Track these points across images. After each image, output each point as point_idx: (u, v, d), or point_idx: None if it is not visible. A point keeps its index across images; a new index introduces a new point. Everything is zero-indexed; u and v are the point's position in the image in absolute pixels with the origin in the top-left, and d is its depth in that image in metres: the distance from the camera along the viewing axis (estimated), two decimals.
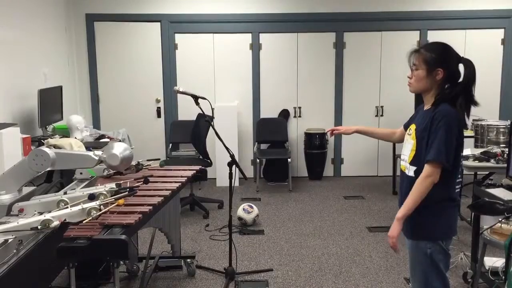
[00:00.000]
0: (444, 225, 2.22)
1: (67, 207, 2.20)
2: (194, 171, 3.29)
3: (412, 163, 2.25)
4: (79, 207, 2.17)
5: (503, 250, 2.69)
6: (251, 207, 4.90)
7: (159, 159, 3.29)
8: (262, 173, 6.63)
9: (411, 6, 6.52)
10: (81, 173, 3.00)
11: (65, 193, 2.49)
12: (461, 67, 2.24)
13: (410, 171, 2.26)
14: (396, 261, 3.99)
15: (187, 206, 5.40)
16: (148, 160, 3.22)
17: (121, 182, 2.58)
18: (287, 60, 6.66)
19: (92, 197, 2.29)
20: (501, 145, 4.24)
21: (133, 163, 2.96)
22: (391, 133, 2.68)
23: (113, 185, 2.46)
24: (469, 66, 2.20)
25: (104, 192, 2.35)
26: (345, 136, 6.78)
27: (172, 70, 6.58)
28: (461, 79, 2.22)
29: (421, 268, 2.27)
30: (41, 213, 2.27)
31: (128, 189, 2.38)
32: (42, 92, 4.70)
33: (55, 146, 3.85)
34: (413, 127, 2.31)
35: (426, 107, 2.29)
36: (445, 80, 2.21)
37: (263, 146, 6.74)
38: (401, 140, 2.58)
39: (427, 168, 2.14)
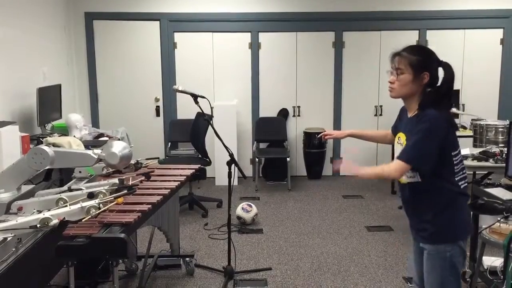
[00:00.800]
0: (462, 224, 2.20)
1: (66, 206, 2.20)
2: (193, 170, 3.29)
3: (412, 171, 2.20)
4: (78, 205, 2.18)
5: (502, 249, 2.69)
6: (250, 206, 4.90)
7: (158, 158, 3.30)
8: (261, 172, 6.63)
9: (410, 5, 6.52)
10: (80, 172, 3.01)
11: (69, 188, 2.52)
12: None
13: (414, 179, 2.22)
14: (395, 260, 4.00)
15: (186, 205, 5.40)
16: (147, 159, 3.22)
17: (124, 177, 2.60)
18: (286, 59, 6.66)
19: (91, 196, 2.30)
20: (500, 145, 4.25)
21: (132, 161, 2.97)
22: (384, 135, 2.65)
23: (115, 180, 2.48)
24: (449, 70, 2.16)
25: (103, 191, 2.35)
26: None
27: (171, 69, 6.57)
28: (439, 83, 2.19)
29: (439, 272, 2.21)
30: (40, 212, 2.27)
31: (127, 187, 2.39)
32: (41, 90, 4.70)
33: (54, 145, 3.85)
34: (402, 136, 2.26)
35: (411, 113, 2.25)
36: (427, 85, 2.18)
37: (262, 145, 6.73)
38: (393, 142, 2.57)
39: (397, 164, 2.14)
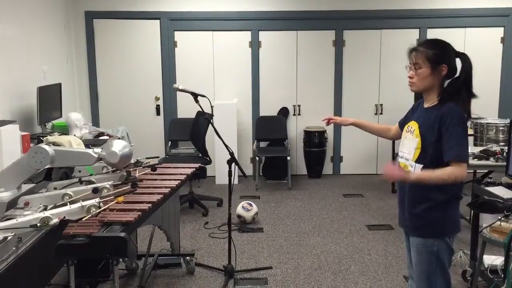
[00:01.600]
0: (451, 222, 2.23)
1: (67, 204, 2.20)
2: (194, 169, 3.29)
3: (418, 161, 2.23)
4: (79, 204, 2.18)
5: (502, 248, 2.69)
6: (250, 205, 4.90)
7: (158, 157, 3.31)
8: (261, 171, 6.63)
9: (410, 4, 6.51)
10: (79, 171, 3.00)
11: (80, 179, 2.59)
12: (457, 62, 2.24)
13: (416, 169, 2.23)
14: (395, 259, 4.00)
15: (186, 204, 5.40)
16: (147, 158, 3.22)
17: (131, 170, 2.64)
18: (286, 58, 6.65)
19: (95, 191, 2.33)
20: (501, 144, 4.24)
21: (132, 161, 2.98)
22: (386, 129, 2.69)
23: (123, 172, 2.54)
24: (466, 60, 2.21)
25: (108, 186, 2.39)
26: (344, 134, 6.79)
27: (172, 67, 6.57)
28: (457, 74, 2.23)
29: (426, 265, 2.26)
30: (45, 207, 2.32)
31: (132, 182, 2.42)
32: (41, 89, 4.69)
33: (54, 144, 3.84)
34: (414, 124, 2.28)
35: (428, 104, 2.28)
36: (447, 76, 2.21)
37: (263, 144, 6.73)
38: (396, 137, 2.58)
39: (455, 169, 2.10)
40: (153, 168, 2.84)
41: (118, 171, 2.76)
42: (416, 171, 2.23)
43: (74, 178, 2.76)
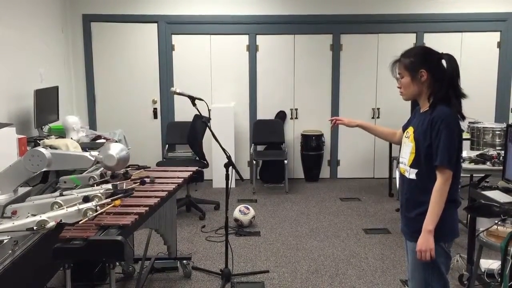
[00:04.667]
0: (446, 227, 2.21)
1: (63, 208, 2.18)
2: (191, 172, 3.29)
3: (412, 166, 2.25)
4: (75, 207, 2.16)
5: (499, 252, 2.69)
6: (248, 208, 4.89)
7: (149, 167, 3.24)
8: (258, 175, 6.63)
9: (408, 8, 6.54)
10: (65, 182, 2.90)
11: (61, 194, 2.47)
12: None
13: (411, 174, 2.26)
14: (392, 263, 4.00)
15: (183, 207, 5.39)
16: (137, 169, 3.16)
17: (117, 183, 2.57)
18: (284, 62, 6.67)
19: (86, 199, 2.27)
20: (497, 148, 4.26)
21: (121, 171, 2.89)
22: (392, 133, 2.68)
23: (109, 186, 2.45)
24: (451, 61, 2.21)
25: (99, 194, 2.33)
26: (341, 138, 6.79)
27: (169, 71, 6.57)
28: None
29: (422, 270, 2.25)
30: (34, 216, 2.21)
31: (123, 191, 2.37)
32: (38, 92, 4.69)
33: (51, 147, 3.83)
34: (410, 130, 2.31)
35: (423, 109, 2.30)
36: (433, 80, 2.22)
37: (260, 148, 6.73)
38: (401, 141, 2.59)
39: (440, 175, 2.15)
40: (142, 181, 2.74)
41: (104, 185, 2.64)
42: (411, 176, 2.26)
43: (59, 190, 2.63)
